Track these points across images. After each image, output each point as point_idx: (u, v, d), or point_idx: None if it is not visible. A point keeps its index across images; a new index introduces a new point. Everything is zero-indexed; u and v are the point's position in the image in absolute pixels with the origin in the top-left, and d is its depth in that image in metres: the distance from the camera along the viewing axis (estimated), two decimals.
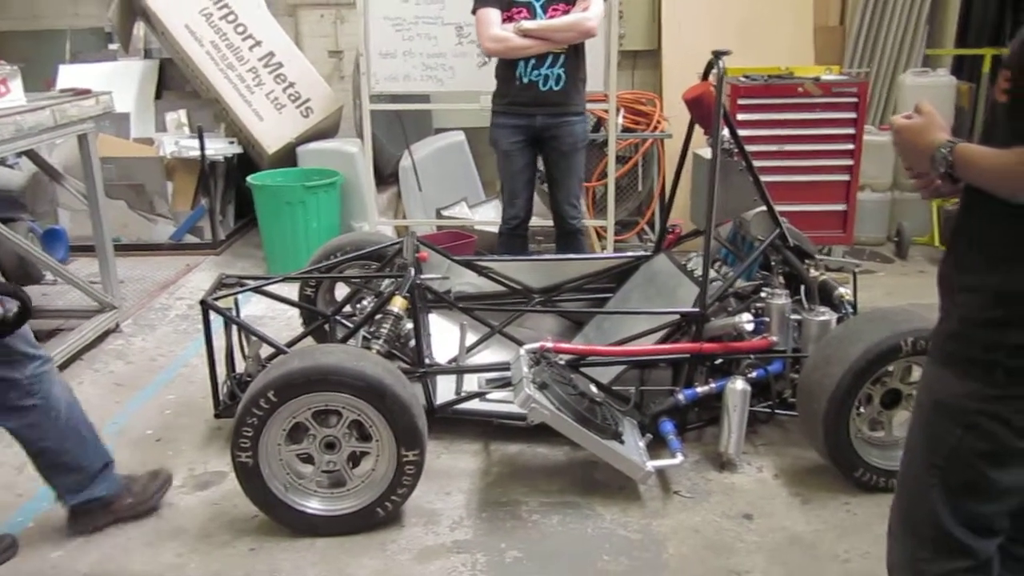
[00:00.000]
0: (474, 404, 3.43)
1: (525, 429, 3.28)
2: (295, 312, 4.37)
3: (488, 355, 3.88)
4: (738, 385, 3.20)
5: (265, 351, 3.58)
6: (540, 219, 5.10)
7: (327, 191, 5.62)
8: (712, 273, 3.58)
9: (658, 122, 5.99)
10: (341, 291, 4.22)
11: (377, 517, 2.90)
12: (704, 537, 2.90)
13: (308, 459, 2.90)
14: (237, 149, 6.18)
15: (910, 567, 1.80)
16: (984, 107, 6.11)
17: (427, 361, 3.45)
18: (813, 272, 3.63)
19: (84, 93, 4.40)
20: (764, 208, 3.64)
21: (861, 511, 3.02)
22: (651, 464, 3.04)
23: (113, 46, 6.98)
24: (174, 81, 6.82)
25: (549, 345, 3.24)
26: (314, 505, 2.89)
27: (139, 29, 6.82)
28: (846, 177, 5.28)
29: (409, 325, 3.44)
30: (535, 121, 4.27)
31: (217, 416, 3.50)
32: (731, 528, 2.95)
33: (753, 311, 3.44)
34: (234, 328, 3.55)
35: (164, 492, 3.10)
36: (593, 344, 3.71)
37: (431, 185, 5.94)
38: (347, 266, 4.03)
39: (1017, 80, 1.50)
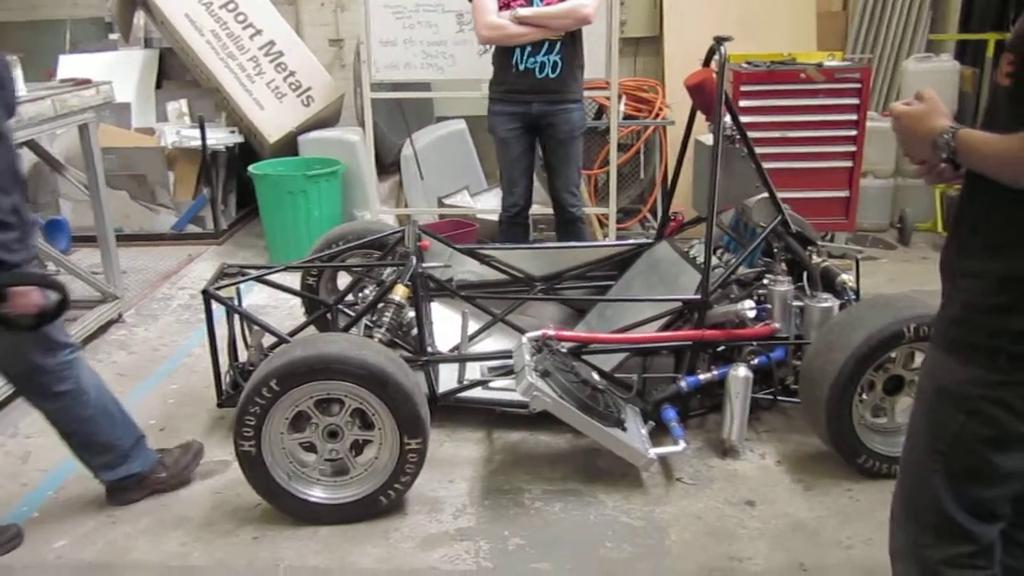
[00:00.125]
0: (476, 392, 3.43)
1: (527, 417, 3.28)
2: (297, 301, 4.37)
3: (490, 343, 3.88)
4: (740, 372, 3.20)
5: (267, 340, 3.59)
6: (541, 207, 5.09)
7: (328, 180, 5.61)
8: (714, 260, 3.57)
9: (660, 109, 5.97)
10: (343, 280, 4.22)
11: (380, 505, 2.91)
12: (706, 524, 2.90)
13: (311, 448, 2.91)
14: (238, 138, 6.17)
15: (912, 552, 1.80)
16: (987, 92, 6.08)
17: (429, 349, 3.45)
18: (815, 259, 3.62)
19: (84, 83, 4.39)
20: (766, 195, 3.63)
21: (863, 497, 3.03)
22: (653, 451, 3.05)
23: (113, 36, 6.97)
24: (175, 70, 6.82)
25: (551, 333, 3.24)
26: (317, 493, 2.90)
27: (139, 19, 6.81)
28: (849, 163, 5.26)
29: (411, 314, 3.44)
30: (531, 108, 4.26)
31: (220, 405, 3.50)
32: (733, 515, 2.95)
33: (755, 298, 3.44)
34: (236, 317, 3.56)
35: (196, 464, 3.18)
36: (595, 332, 3.71)
37: (433, 173, 5.93)
38: (349, 255, 4.03)
39: (1020, 64, 1.49)
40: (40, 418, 3.58)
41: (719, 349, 3.42)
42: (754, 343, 3.38)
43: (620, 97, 5.63)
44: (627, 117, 5.90)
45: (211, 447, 3.41)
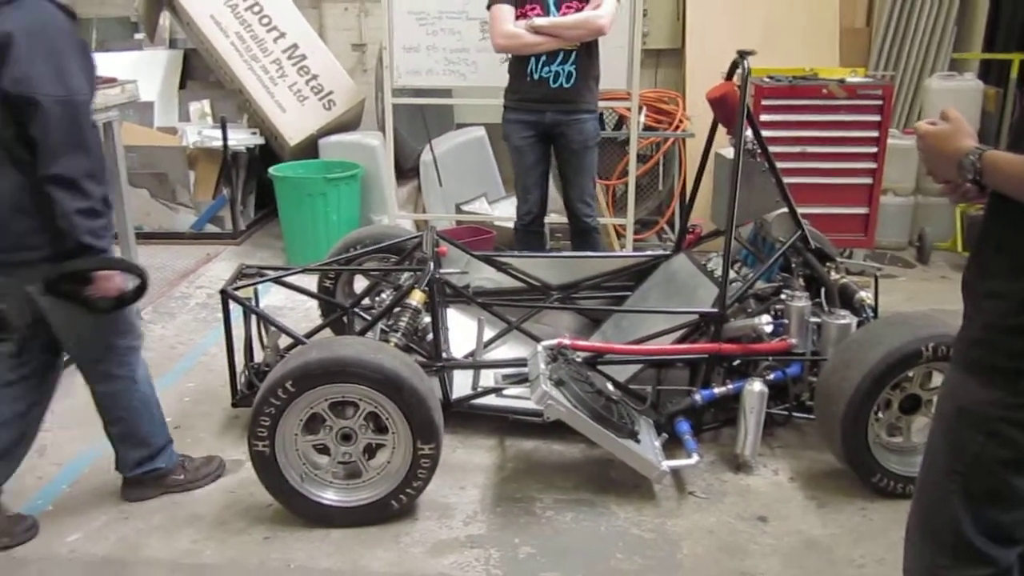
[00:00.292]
0: (490, 399, 3.43)
1: (541, 425, 3.28)
2: (314, 303, 4.39)
3: (505, 351, 3.88)
4: (756, 387, 3.18)
5: (283, 341, 3.60)
6: (558, 216, 5.10)
7: (348, 184, 5.64)
8: (732, 274, 3.56)
9: (680, 121, 5.97)
10: (360, 284, 4.24)
11: (391, 509, 2.91)
12: (718, 538, 2.89)
13: (324, 450, 2.91)
14: (259, 140, 6.21)
15: (928, 573, 1.78)
16: (1012, 112, 6.05)
17: (444, 355, 3.46)
18: (834, 275, 3.60)
19: (110, 81, 4.43)
20: (786, 210, 3.62)
21: (878, 516, 3.00)
22: (666, 464, 3.04)
23: (139, 35, 7.04)
24: (198, 71, 6.87)
25: (567, 342, 3.24)
26: (329, 496, 2.91)
27: (165, 19, 6.88)
28: (869, 180, 5.25)
29: (427, 319, 3.45)
30: (545, 117, 4.27)
31: (235, 405, 3.52)
32: (746, 530, 2.94)
33: (773, 313, 3.42)
34: (253, 318, 3.58)
35: (214, 478, 3.20)
36: (611, 342, 3.70)
37: (451, 180, 5.94)
38: (366, 259, 4.04)
39: None
40: (57, 412, 3.62)
41: (735, 363, 3.41)
42: (770, 358, 3.37)
43: (640, 108, 5.63)
44: (647, 128, 5.90)
45: (225, 446, 3.43)
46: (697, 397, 3.30)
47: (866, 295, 3.53)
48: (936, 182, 1.73)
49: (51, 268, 2.56)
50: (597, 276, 4.15)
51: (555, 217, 5.19)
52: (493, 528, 2.94)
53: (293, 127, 6.03)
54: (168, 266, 5.66)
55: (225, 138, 5.87)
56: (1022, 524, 1.69)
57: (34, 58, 2.40)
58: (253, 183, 6.47)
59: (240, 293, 3.47)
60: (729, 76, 3.58)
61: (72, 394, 3.86)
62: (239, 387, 3.50)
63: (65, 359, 3.00)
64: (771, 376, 3.32)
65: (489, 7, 4.24)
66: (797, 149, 5.14)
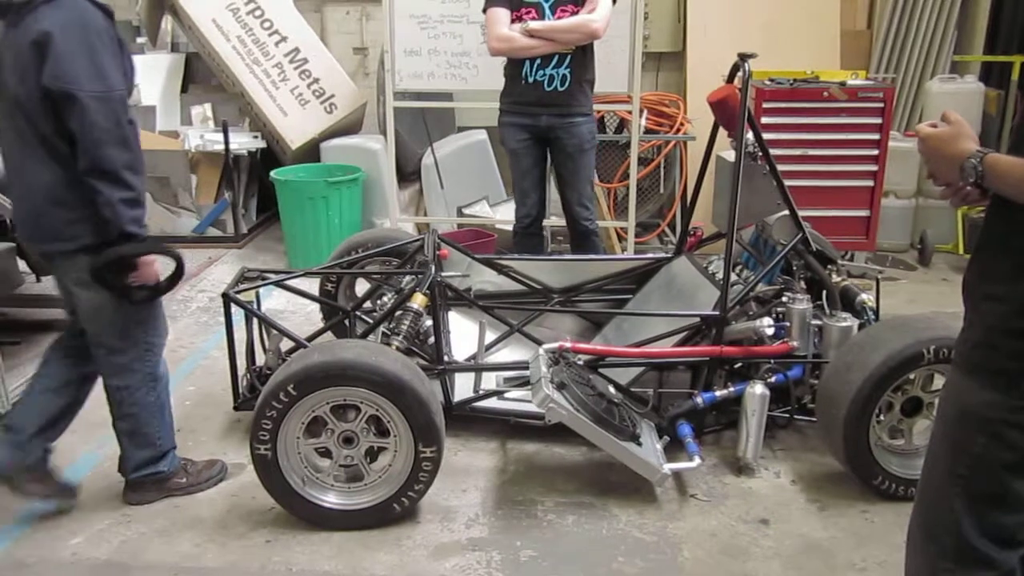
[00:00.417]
0: (492, 402, 3.43)
1: (542, 428, 3.29)
2: (315, 307, 4.39)
3: (507, 354, 3.88)
4: (757, 389, 3.18)
5: (285, 345, 3.61)
6: (559, 218, 5.10)
7: (349, 187, 5.64)
8: (733, 277, 3.56)
9: (681, 124, 5.97)
10: (362, 287, 4.24)
11: (393, 513, 2.91)
12: (720, 541, 2.89)
13: (326, 453, 2.92)
14: (261, 144, 6.22)
15: None
16: (1013, 115, 6.05)
17: (446, 358, 3.46)
18: (835, 278, 3.61)
19: None
20: (787, 212, 3.62)
21: (879, 519, 3.00)
22: (668, 466, 3.04)
23: (141, 39, 7.04)
24: (200, 75, 6.88)
25: (568, 345, 3.24)
26: (331, 499, 2.91)
27: (166, 23, 6.89)
28: (870, 183, 5.25)
29: (429, 322, 3.45)
30: (540, 121, 4.27)
31: (236, 408, 3.53)
32: (747, 533, 2.94)
33: (774, 315, 3.42)
34: (255, 321, 3.58)
35: (217, 482, 3.20)
36: (612, 345, 3.70)
37: (453, 183, 5.95)
38: (368, 262, 4.04)
39: None
40: None
41: (736, 366, 3.41)
42: (772, 361, 3.36)
43: (641, 111, 5.64)
44: (648, 131, 5.90)
45: (227, 450, 3.43)
46: (698, 400, 3.30)
47: (867, 297, 3.53)
48: (937, 185, 1.73)
49: (96, 256, 2.65)
50: (598, 279, 4.15)
51: (555, 220, 5.19)
52: (495, 531, 2.94)
53: (295, 131, 6.04)
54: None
55: (227, 142, 5.88)
56: None
57: (73, 55, 2.49)
58: (255, 187, 6.48)
59: (242, 296, 3.47)
60: (730, 79, 3.58)
61: None
62: (241, 390, 3.51)
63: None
64: (772, 379, 3.32)
65: (485, 11, 4.25)
66: (798, 152, 5.14)
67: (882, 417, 3.07)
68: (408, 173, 6.21)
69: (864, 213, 5.29)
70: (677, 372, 3.43)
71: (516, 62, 4.25)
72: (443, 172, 5.85)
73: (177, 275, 2.86)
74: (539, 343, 3.40)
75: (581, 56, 4.21)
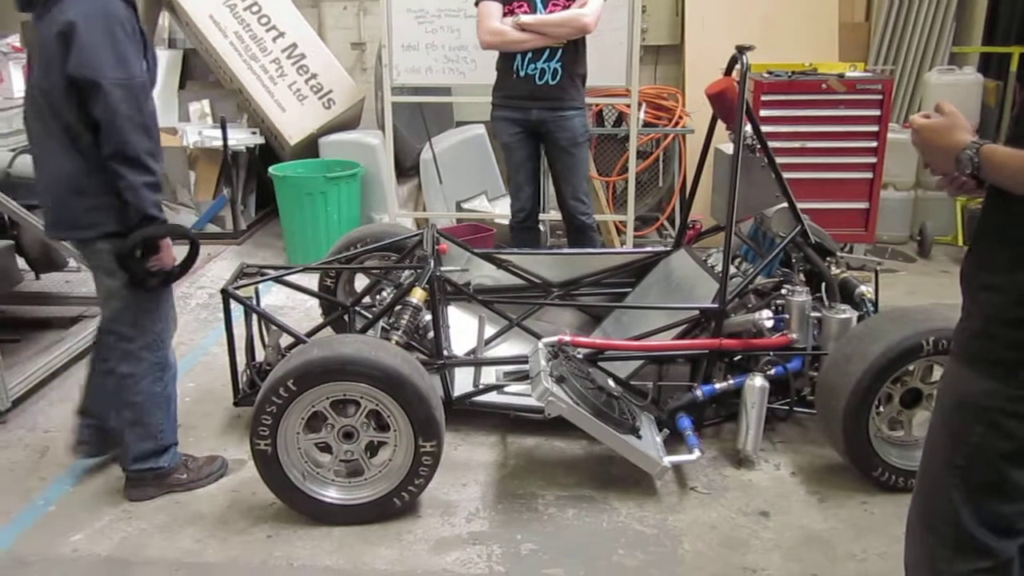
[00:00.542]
0: (492, 396, 3.44)
1: (542, 422, 3.29)
2: (315, 302, 4.39)
3: (506, 348, 3.88)
4: (757, 382, 3.18)
5: (285, 340, 3.61)
6: (557, 213, 5.10)
7: (348, 182, 5.64)
8: (732, 269, 3.56)
9: (680, 117, 5.97)
10: (361, 282, 4.24)
11: (394, 507, 2.91)
12: (720, 533, 2.89)
13: (326, 448, 2.92)
14: (259, 140, 6.22)
15: (929, 566, 1.79)
16: (1012, 106, 6.05)
17: (445, 353, 3.46)
18: (834, 270, 3.61)
19: None
20: (786, 205, 3.62)
21: (879, 511, 3.01)
22: (668, 459, 3.04)
23: None
24: (198, 71, 6.87)
25: (567, 339, 3.24)
26: (331, 494, 2.91)
27: (164, 19, 6.88)
28: (869, 175, 5.25)
29: (428, 317, 3.46)
30: (531, 115, 4.27)
31: (236, 404, 3.53)
32: (747, 525, 2.94)
33: (773, 308, 3.42)
34: (254, 317, 3.58)
35: (217, 478, 3.21)
36: (611, 338, 3.71)
37: (451, 178, 5.94)
38: (367, 257, 4.05)
39: None
40: (59, 413, 3.63)
41: (735, 358, 3.42)
42: (771, 353, 3.37)
43: (640, 105, 5.63)
44: (647, 125, 5.90)
45: (227, 445, 3.44)
46: (698, 393, 3.30)
47: (867, 289, 3.53)
48: (933, 175, 1.73)
49: (118, 242, 2.73)
50: (597, 273, 4.15)
51: (554, 214, 5.19)
52: (495, 525, 2.94)
53: (293, 126, 6.03)
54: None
55: (225, 138, 5.88)
56: (1022, 516, 1.69)
57: (96, 44, 2.57)
58: (253, 183, 6.48)
59: (241, 292, 3.47)
60: (728, 71, 3.58)
61: (74, 396, 3.87)
62: (241, 386, 3.51)
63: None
64: (772, 371, 3.33)
65: (477, 4, 4.24)
66: (797, 144, 5.14)
67: (881, 409, 3.08)
68: (406, 168, 6.21)
69: (863, 205, 5.29)
70: (676, 365, 3.43)
71: (507, 56, 4.25)
72: (441, 167, 5.84)
73: (190, 261, 2.94)
74: (538, 337, 3.41)
75: (573, 50, 4.20)
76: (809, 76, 5.22)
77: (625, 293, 4.14)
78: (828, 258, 3.65)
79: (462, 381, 3.51)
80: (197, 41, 6.28)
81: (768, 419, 3.29)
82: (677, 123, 5.96)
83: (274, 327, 3.58)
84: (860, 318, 3.38)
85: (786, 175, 3.60)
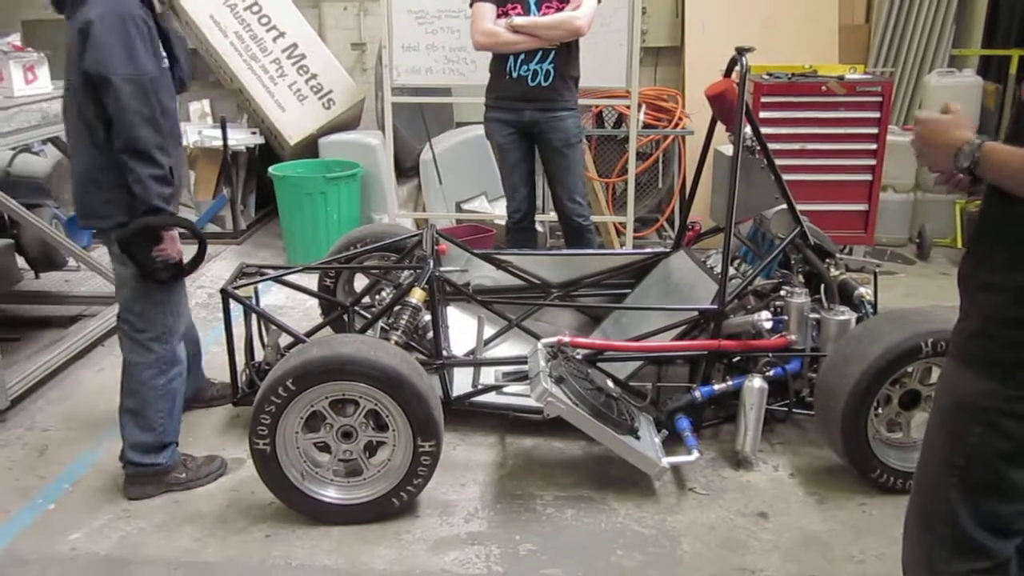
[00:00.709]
0: (491, 397, 3.44)
1: (541, 423, 3.29)
2: (314, 302, 4.39)
3: (505, 348, 3.88)
4: (755, 383, 3.19)
5: (284, 340, 3.61)
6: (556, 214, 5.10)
7: (348, 183, 5.64)
8: (731, 271, 3.56)
9: (679, 119, 5.97)
10: (360, 282, 4.24)
11: (392, 507, 2.92)
12: (719, 534, 2.89)
13: (325, 448, 2.92)
14: (259, 139, 6.22)
15: (926, 567, 1.79)
16: (1012, 108, 6.05)
17: (444, 353, 3.46)
18: (833, 271, 3.61)
19: None
20: (785, 206, 3.62)
21: (877, 512, 3.01)
22: (666, 460, 3.04)
23: None
24: (198, 71, 6.84)
25: (566, 339, 3.25)
26: (330, 493, 2.92)
27: None
28: (868, 177, 5.25)
29: (427, 317, 3.46)
30: (524, 116, 4.26)
31: (235, 404, 3.53)
32: (746, 526, 2.94)
33: (772, 309, 3.43)
34: (254, 317, 3.59)
35: (216, 477, 3.21)
36: (611, 339, 3.71)
37: (451, 178, 5.95)
38: (366, 257, 4.05)
39: None
40: (58, 412, 3.64)
41: (734, 360, 3.42)
42: (770, 354, 3.37)
43: (640, 106, 5.64)
44: (646, 126, 5.90)
45: (226, 445, 3.44)
46: (697, 394, 3.31)
47: (866, 291, 3.53)
48: (931, 171, 1.73)
49: (124, 227, 2.82)
50: (597, 274, 4.15)
51: (553, 215, 5.19)
52: (494, 525, 2.95)
53: (293, 126, 6.03)
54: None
55: (225, 138, 5.88)
56: (1020, 516, 1.69)
57: (107, 41, 2.66)
58: (253, 183, 6.48)
59: (240, 292, 3.47)
60: (728, 73, 3.58)
61: (73, 395, 3.88)
62: (240, 386, 3.51)
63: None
64: (771, 372, 3.33)
65: (471, 5, 4.24)
66: (796, 146, 5.14)
67: (880, 410, 3.08)
68: (406, 168, 6.21)
69: (862, 207, 5.29)
70: (675, 366, 3.44)
71: (500, 57, 4.25)
72: (441, 167, 5.85)
73: (199, 257, 2.99)
74: (538, 337, 3.41)
75: (565, 52, 4.20)
76: (809, 78, 5.22)
77: (624, 294, 4.14)
78: (827, 260, 3.66)
79: (461, 381, 3.51)
80: (197, 41, 6.27)
81: (767, 420, 3.30)
82: (677, 124, 5.97)
83: (273, 327, 3.58)
84: (859, 320, 3.39)
85: (785, 177, 3.60)
